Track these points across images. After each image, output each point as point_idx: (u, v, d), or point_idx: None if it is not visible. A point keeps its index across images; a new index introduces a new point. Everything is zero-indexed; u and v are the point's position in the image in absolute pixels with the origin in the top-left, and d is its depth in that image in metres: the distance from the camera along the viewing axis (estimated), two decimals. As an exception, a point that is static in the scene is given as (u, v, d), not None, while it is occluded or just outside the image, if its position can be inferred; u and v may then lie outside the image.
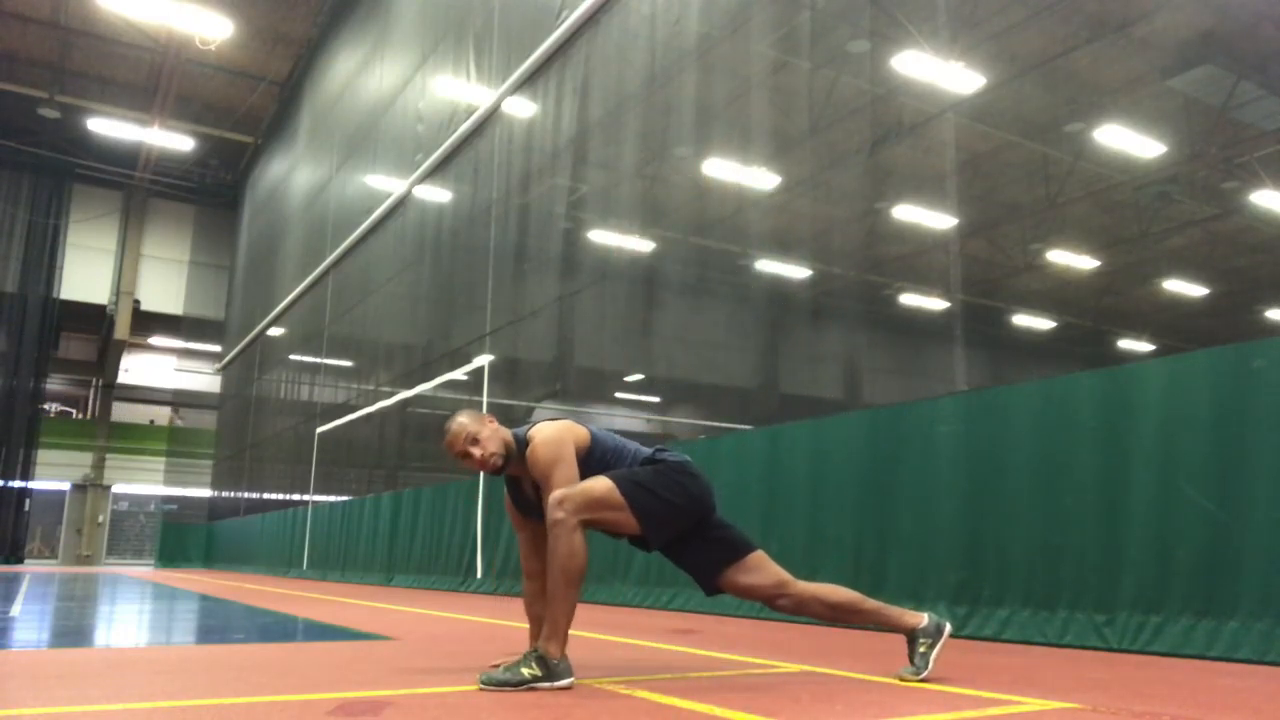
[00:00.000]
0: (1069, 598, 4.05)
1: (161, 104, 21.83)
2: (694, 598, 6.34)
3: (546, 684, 2.54)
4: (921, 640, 2.80)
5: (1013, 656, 3.62)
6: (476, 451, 2.81)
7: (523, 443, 2.86)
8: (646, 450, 2.95)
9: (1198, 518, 3.63)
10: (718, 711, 2.21)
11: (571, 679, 2.60)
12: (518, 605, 7.58)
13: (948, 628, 2.86)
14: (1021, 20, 11.21)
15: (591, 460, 2.83)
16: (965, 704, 2.36)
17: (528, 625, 3.07)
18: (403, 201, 13.70)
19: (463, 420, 2.85)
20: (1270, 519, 3.41)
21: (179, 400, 26.77)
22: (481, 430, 2.84)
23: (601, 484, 2.71)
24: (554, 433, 2.81)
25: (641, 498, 2.74)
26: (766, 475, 5.99)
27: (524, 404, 12.80)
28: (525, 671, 2.56)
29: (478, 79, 11.67)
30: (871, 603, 2.90)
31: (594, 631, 4.63)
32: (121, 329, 25.16)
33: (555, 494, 2.65)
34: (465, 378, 10.97)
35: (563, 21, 9.68)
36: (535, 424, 2.89)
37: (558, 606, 2.61)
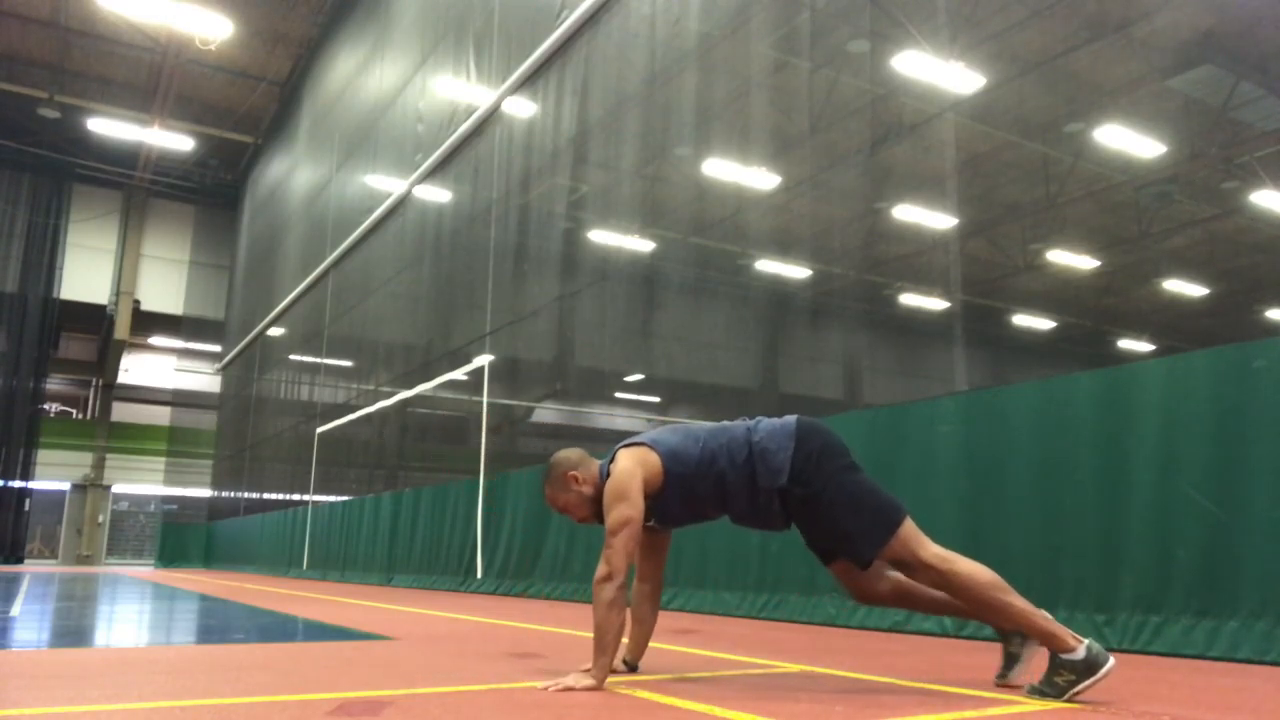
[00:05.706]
0: (1069, 598, 4.05)
1: (161, 104, 21.83)
2: (694, 598, 6.34)
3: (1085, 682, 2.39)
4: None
5: (1013, 656, 3.62)
6: (572, 518, 2.95)
7: (606, 472, 2.84)
8: (741, 435, 2.77)
9: (1198, 518, 3.63)
10: (718, 711, 2.21)
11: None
12: (518, 605, 7.57)
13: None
14: (1021, 20, 11.21)
15: (669, 493, 2.77)
16: (965, 704, 2.36)
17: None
18: (403, 201, 13.70)
19: (549, 491, 2.93)
20: (1270, 519, 3.41)
21: (179, 400, 26.77)
22: (568, 499, 2.89)
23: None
24: (621, 471, 2.74)
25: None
26: (766, 475, 5.97)
27: (524, 404, 12.80)
28: (1060, 681, 2.41)
29: (478, 79, 11.67)
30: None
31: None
32: (121, 329, 25.15)
33: (602, 570, 2.63)
34: (465, 378, 10.97)
35: (563, 21, 9.68)
36: (616, 453, 2.84)
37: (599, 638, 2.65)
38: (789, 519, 2.77)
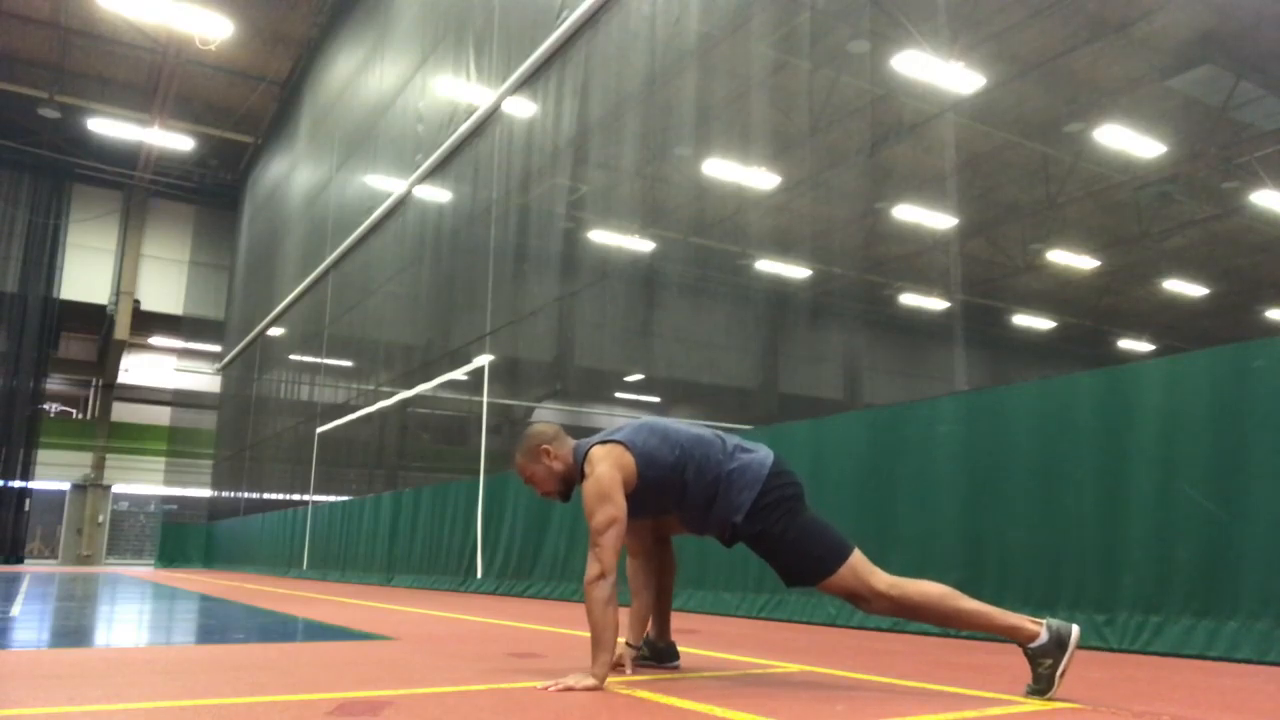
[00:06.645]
0: (1069, 598, 4.05)
1: (161, 104, 21.82)
2: (694, 597, 6.34)
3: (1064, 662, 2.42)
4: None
5: (1013, 656, 3.61)
6: (537, 491, 2.99)
7: (582, 459, 2.86)
8: (716, 456, 2.81)
9: (1198, 518, 3.63)
10: (718, 711, 2.21)
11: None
12: (518, 605, 7.57)
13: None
14: (1021, 20, 11.21)
15: (637, 496, 2.80)
16: (965, 704, 2.36)
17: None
18: (403, 201, 13.70)
19: (520, 460, 2.95)
20: (1270, 519, 3.41)
21: (179, 400, 26.77)
22: (536, 470, 2.94)
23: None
24: (602, 475, 2.74)
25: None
26: (766, 475, 5.97)
27: (524, 404, 12.79)
28: (1042, 670, 2.44)
29: (478, 79, 11.67)
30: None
31: (594, 631, 4.62)
32: (121, 329, 25.16)
33: (594, 569, 2.65)
34: (465, 378, 10.97)
35: (563, 21, 9.68)
36: (592, 444, 2.86)
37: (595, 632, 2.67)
38: (733, 543, 2.85)
